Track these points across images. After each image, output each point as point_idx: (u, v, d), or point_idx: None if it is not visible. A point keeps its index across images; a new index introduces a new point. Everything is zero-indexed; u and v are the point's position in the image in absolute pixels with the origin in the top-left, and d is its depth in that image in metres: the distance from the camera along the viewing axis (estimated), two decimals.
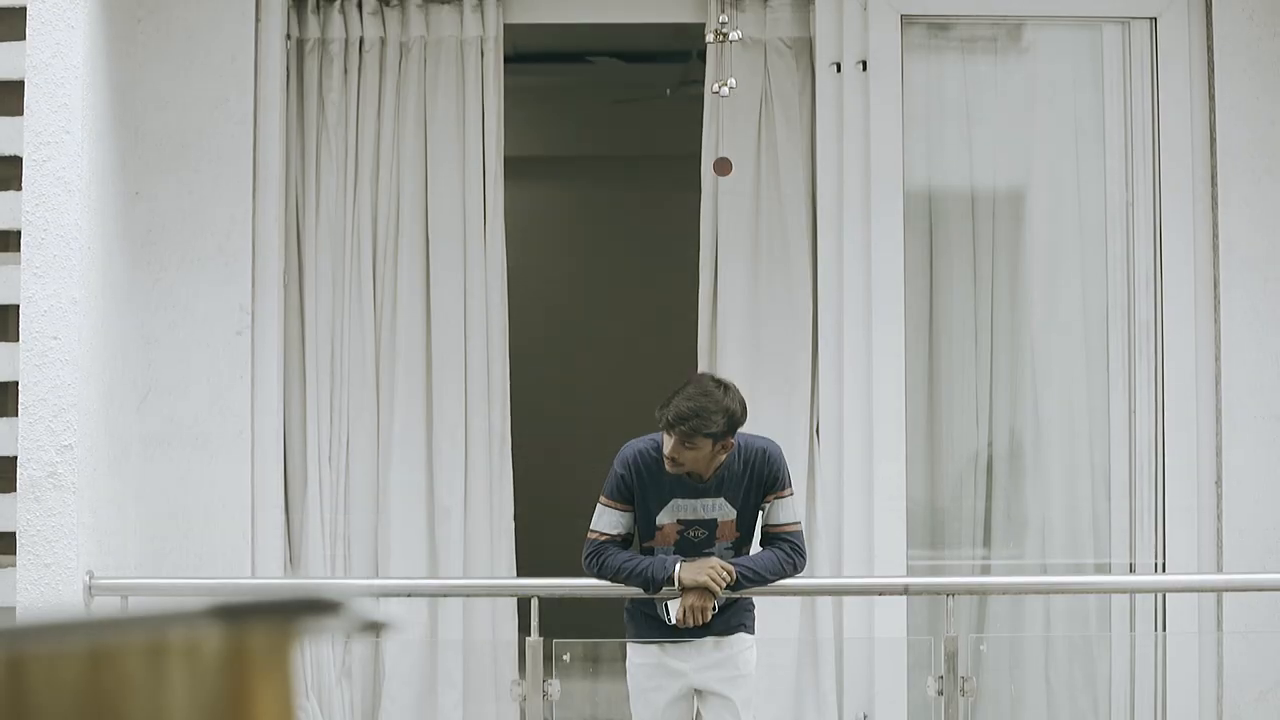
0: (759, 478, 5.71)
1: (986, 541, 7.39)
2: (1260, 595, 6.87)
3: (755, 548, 5.87)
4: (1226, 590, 6.93)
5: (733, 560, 5.71)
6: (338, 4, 7.30)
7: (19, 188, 6.24)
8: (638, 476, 5.69)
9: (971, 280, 7.43)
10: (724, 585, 5.66)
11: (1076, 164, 7.41)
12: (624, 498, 5.71)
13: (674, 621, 5.74)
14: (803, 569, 5.83)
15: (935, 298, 7.42)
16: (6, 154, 6.44)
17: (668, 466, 5.61)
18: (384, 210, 7.31)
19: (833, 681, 7.15)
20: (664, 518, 5.71)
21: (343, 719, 7.17)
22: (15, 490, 6.15)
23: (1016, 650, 7.35)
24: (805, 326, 7.29)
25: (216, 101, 7.01)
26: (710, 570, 5.65)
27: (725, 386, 5.62)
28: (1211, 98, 7.20)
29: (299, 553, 7.20)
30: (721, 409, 5.53)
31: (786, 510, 5.76)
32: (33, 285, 6.17)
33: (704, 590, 5.65)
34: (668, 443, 5.57)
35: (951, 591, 6.23)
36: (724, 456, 5.64)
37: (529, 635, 6.01)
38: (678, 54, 9.55)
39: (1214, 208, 7.18)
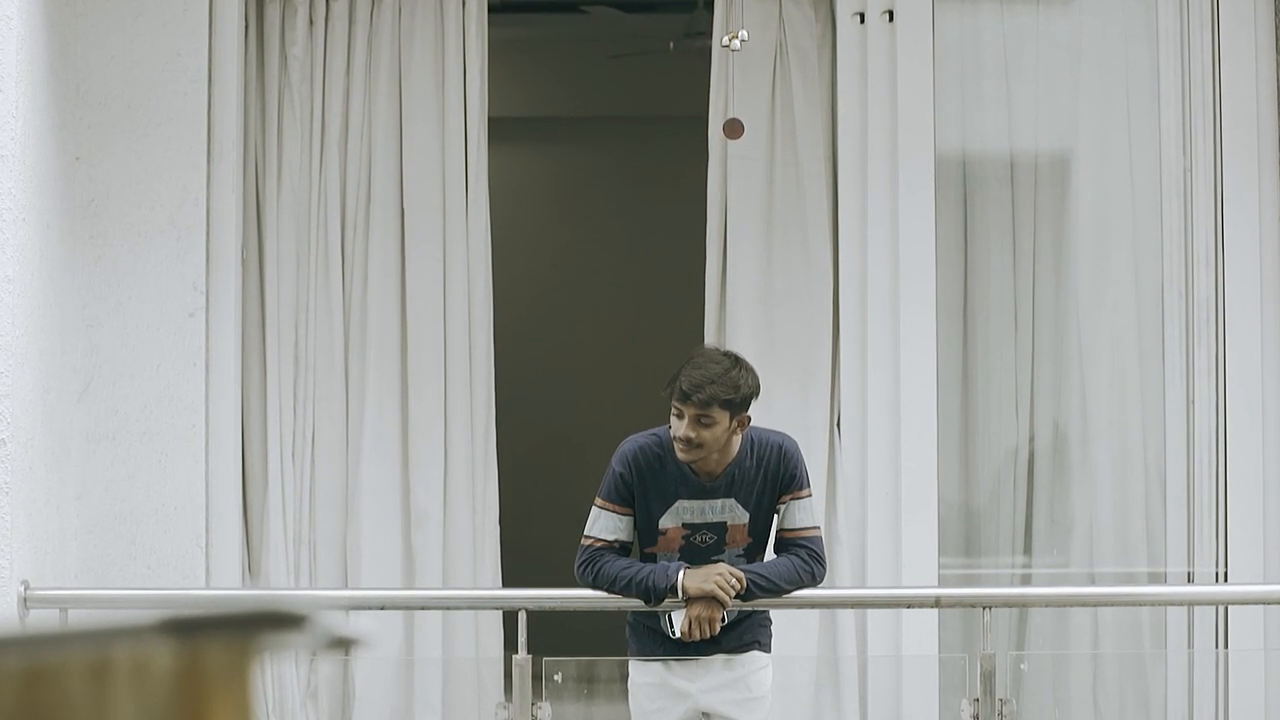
0: (773, 476, 5.72)
1: (1027, 548, 7.39)
2: None
3: (769, 555, 5.88)
4: None
5: (743, 567, 5.72)
6: None
7: None
8: (639, 475, 5.70)
9: (1011, 256, 7.42)
10: (733, 594, 5.66)
11: (1128, 126, 7.40)
12: (623, 499, 5.72)
13: (678, 635, 5.74)
14: (822, 579, 5.84)
15: (970, 276, 7.42)
16: None
17: (680, 452, 5.62)
18: (354, 178, 7.31)
19: (855, 704, 7.16)
20: (667, 521, 5.72)
21: None
22: None
23: (1061, 669, 7.35)
24: (825, 308, 7.30)
25: (167, 56, 7.01)
26: (718, 577, 5.65)
27: (732, 355, 5.69)
28: (1279, 51, 7.20)
29: (259, 560, 7.21)
30: (737, 374, 5.57)
31: (804, 513, 5.77)
32: None
33: (711, 600, 5.65)
34: (679, 425, 5.59)
35: (988, 604, 6.23)
36: (738, 439, 5.65)
37: (516, 653, 6.02)
38: (682, 3, 9.54)
39: None
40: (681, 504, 5.71)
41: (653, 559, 5.76)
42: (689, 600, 5.68)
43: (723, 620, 5.71)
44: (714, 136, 7.31)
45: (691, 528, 5.73)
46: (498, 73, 7.71)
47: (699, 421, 5.58)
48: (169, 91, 7.01)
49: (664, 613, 5.78)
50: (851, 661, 7.18)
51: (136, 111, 6.99)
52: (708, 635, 5.70)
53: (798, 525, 5.77)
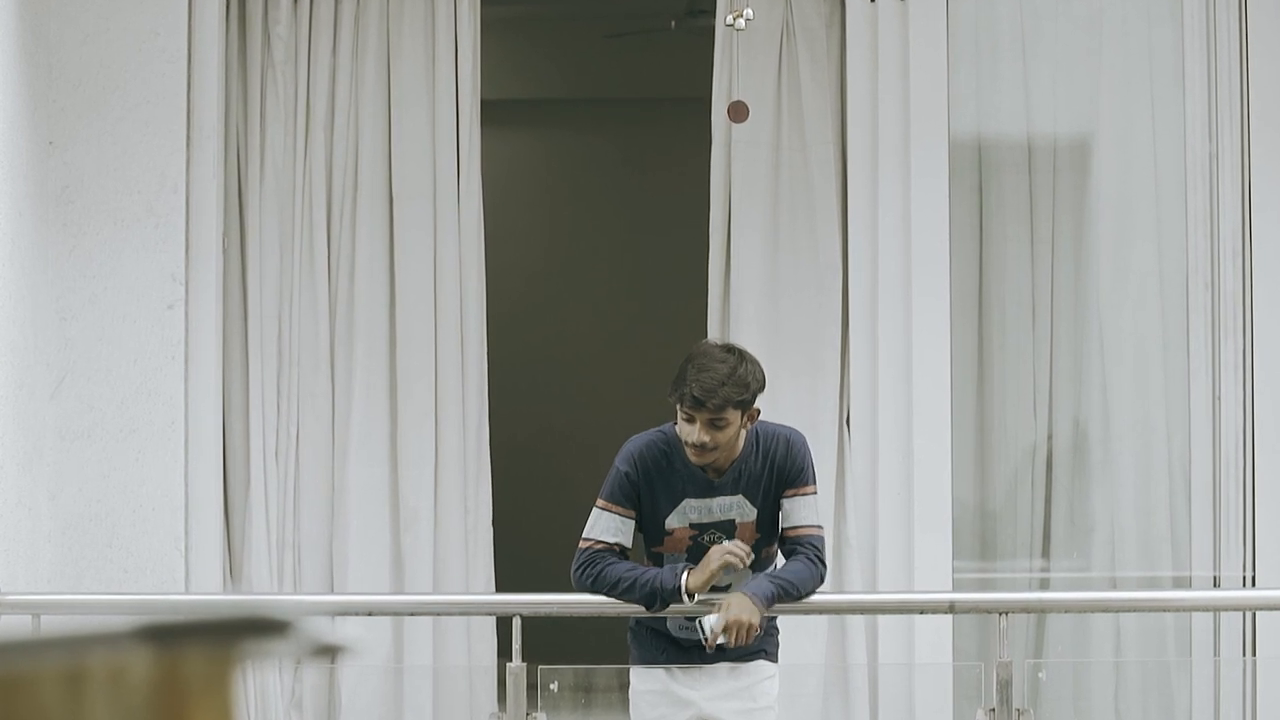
0: (779, 470, 5.71)
1: (1045, 551, 7.40)
2: None
3: (779, 558, 5.87)
4: None
5: (772, 574, 5.68)
6: None
7: None
8: (645, 475, 5.69)
9: (1028, 245, 7.42)
10: (742, 554, 5.61)
11: (1151, 110, 7.40)
12: (628, 501, 5.70)
13: (714, 638, 5.61)
14: (823, 581, 5.83)
15: (986, 266, 7.42)
16: None
17: (693, 456, 5.61)
18: (340, 164, 7.31)
19: (866, 714, 7.16)
20: (674, 521, 5.71)
21: None
22: None
23: (1081, 678, 7.35)
24: (834, 299, 7.30)
25: (144, 35, 7.00)
26: (719, 555, 5.59)
27: (735, 350, 5.67)
28: None
29: (241, 563, 7.21)
30: (744, 370, 5.57)
31: (808, 510, 5.75)
32: None
33: (743, 599, 5.58)
34: (690, 430, 5.57)
35: (1005, 609, 6.23)
36: (744, 432, 5.65)
37: (510, 660, 6.01)
38: None
39: None
40: (689, 503, 5.70)
41: (659, 559, 5.75)
42: (723, 606, 5.59)
43: (759, 629, 5.64)
44: (717, 120, 7.31)
45: (700, 527, 5.72)
46: (491, 53, 7.71)
47: (713, 425, 5.57)
48: (146, 72, 7.00)
49: (695, 618, 5.68)
50: (862, 670, 7.18)
51: (112, 93, 6.99)
52: (744, 642, 5.63)
53: (801, 523, 5.74)
